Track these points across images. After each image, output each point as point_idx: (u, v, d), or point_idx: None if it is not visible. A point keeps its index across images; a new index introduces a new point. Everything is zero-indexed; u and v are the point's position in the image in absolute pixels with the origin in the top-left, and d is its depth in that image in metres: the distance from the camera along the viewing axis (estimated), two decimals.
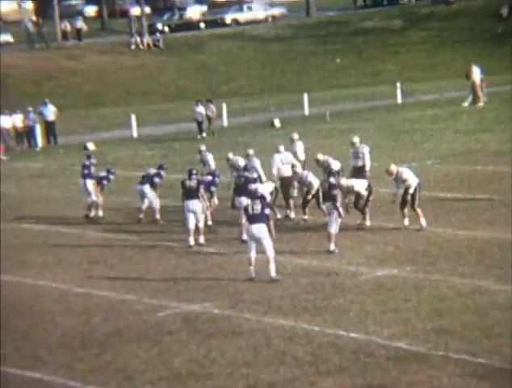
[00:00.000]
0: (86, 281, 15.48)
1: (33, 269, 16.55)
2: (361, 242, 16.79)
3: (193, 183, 17.52)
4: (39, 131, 34.77)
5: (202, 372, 11.05)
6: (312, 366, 10.98)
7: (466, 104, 37.19)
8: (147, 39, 55.19)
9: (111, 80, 50.54)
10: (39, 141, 34.80)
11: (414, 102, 40.69)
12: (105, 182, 20.76)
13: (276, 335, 12.15)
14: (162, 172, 20.07)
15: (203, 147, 21.72)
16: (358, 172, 19.94)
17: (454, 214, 18.83)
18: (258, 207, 14.78)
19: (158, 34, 56.35)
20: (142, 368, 11.34)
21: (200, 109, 34.33)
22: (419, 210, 17.52)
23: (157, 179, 19.77)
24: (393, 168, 17.75)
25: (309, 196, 18.64)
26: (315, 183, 18.51)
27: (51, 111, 35.00)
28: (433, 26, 56.64)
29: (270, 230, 14.77)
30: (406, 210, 17.57)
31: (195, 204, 17.35)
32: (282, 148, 20.25)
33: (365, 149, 20.52)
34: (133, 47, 54.76)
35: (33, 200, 23.54)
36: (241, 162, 19.86)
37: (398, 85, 41.81)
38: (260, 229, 14.64)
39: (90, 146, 32.94)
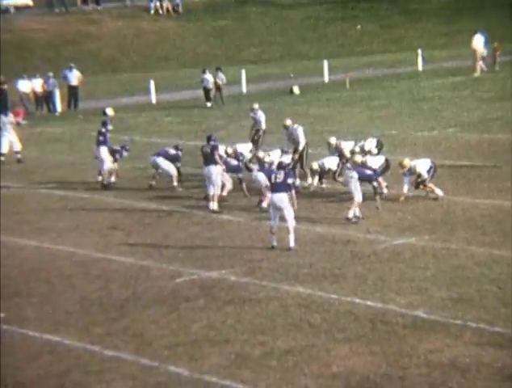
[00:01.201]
0: (105, 247, 15.56)
1: (52, 234, 16.66)
2: (379, 210, 16.73)
3: (208, 148, 17.56)
4: (58, 96, 34.80)
5: (219, 338, 11.11)
6: (328, 334, 11.01)
7: (477, 74, 36.81)
8: (166, 3, 54.89)
9: (130, 45, 50.39)
10: (59, 106, 34.85)
11: (435, 69, 40.31)
12: (118, 156, 20.72)
13: (293, 303, 12.18)
14: (179, 153, 19.92)
15: (256, 105, 22.01)
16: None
17: (473, 183, 18.71)
18: (280, 176, 14.80)
19: None
20: (159, 333, 11.42)
21: (208, 76, 33.99)
22: (431, 184, 17.39)
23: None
24: (407, 162, 17.42)
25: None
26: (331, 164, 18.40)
27: (75, 76, 34.98)
28: None
29: (291, 200, 14.74)
30: (422, 187, 17.42)
31: (209, 170, 17.38)
32: (289, 121, 19.96)
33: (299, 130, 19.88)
34: (152, 12, 54.50)
35: (52, 165, 23.63)
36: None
37: (419, 52, 41.39)
38: (281, 199, 14.64)
39: (109, 112, 32.95)
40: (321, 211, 17.16)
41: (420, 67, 41.18)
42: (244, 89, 37.58)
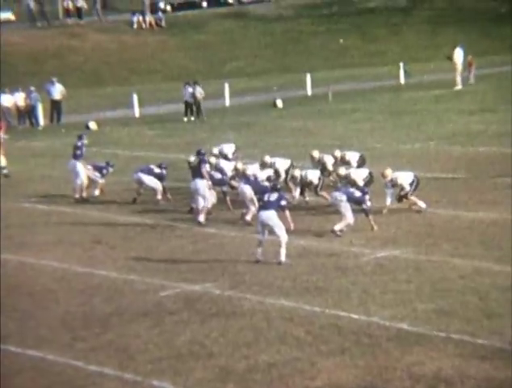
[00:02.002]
0: (88, 261, 15.50)
1: (35, 248, 16.57)
2: (362, 223, 16.78)
3: (196, 162, 17.74)
4: (40, 110, 34.71)
5: (203, 352, 11.08)
6: (312, 347, 11.01)
7: (458, 87, 37.11)
8: (149, 17, 54.97)
9: (113, 59, 50.38)
10: (41, 120, 34.74)
11: (417, 82, 40.57)
12: (105, 172, 20.69)
13: (277, 316, 12.17)
14: (164, 171, 19.88)
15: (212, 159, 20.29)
16: None
17: (456, 195, 18.81)
18: (274, 196, 14.95)
19: (160, 13, 56.11)
20: (143, 347, 11.38)
21: (190, 90, 34.01)
22: (414, 197, 17.47)
23: (104, 171, 20.50)
24: (388, 172, 17.51)
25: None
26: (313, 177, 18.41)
27: (58, 90, 34.89)
28: (436, 5, 56.38)
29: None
30: (405, 200, 17.49)
31: (196, 183, 17.46)
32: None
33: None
34: (135, 26, 54.54)
35: (35, 179, 23.54)
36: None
37: (401, 65, 41.66)
38: (269, 216, 14.69)
39: (92, 126, 32.89)
40: (305, 224, 17.19)
41: (402, 80, 41.44)
42: (227, 102, 37.64)
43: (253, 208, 17.04)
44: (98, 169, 20.68)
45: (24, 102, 34.38)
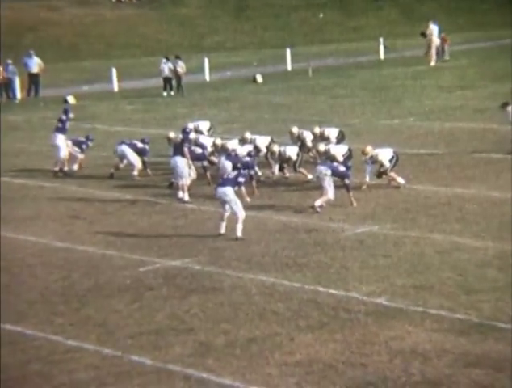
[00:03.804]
0: (66, 236, 15.44)
1: (13, 223, 16.47)
2: (342, 198, 16.83)
3: (179, 139, 17.70)
4: (18, 83, 34.35)
5: (182, 327, 11.10)
6: (291, 322, 11.06)
7: (433, 63, 37.16)
8: None
9: (92, 33, 49.91)
10: (18, 93, 34.40)
11: (397, 58, 40.57)
12: (84, 146, 20.57)
13: (257, 292, 12.21)
14: (147, 147, 19.79)
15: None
16: None
17: (434, 171, 18.90)
18: (232, 174, 15.14)
19: None
20: (122, 323, 11.37)
21: (169, 65, 33.78)
22: (393, 174, 17.53)
23: (83, 146, 20.32)
24: (369, 149, 17.54)
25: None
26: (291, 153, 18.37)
27: (35, 63, 34.53)
28: None
29: (241, 195, 14.95)
30: (384, 176, 17.55)
31: (175, 161, 17.41)
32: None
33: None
34: None
35: (12, 153, 23.33)
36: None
37: (381, 40, 41.61)
38: (225, 192, 14.78)
39: (71, 100, 32.63)
40: (284, 200, 17.21)
41: (382, 56, 41.40)
42: (207, 77, 37.45)
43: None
44: (78, 143, 20.54)
45: (1, 75, 34.01)
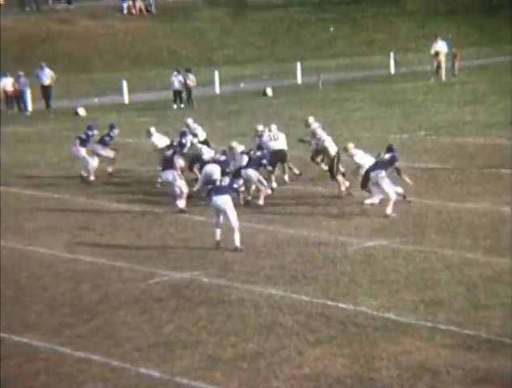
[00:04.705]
0: (76, 247, 15.46)
1: (22, 234, 16.51)
2: (352, 212, 16.81)
3: (170, 153, 18.02)
4: (29, 95, 34.53)
5: (190, 339, 11.08)
6: (300, 336, 11.03)
7: (443, 79, 37.16)
8: (139, 3, 54.70)
9: (103, 45, 50.13)
10: (30, 105, 34.57)
11: (407, 72, 40.58)
12: (112, 135, 21.24)
13: (265, 305, 12.18)
14: (112, 133, 20.65)
15: (189, 120, 21.16)
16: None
17: (444, 186, 18.85)
18: (226, 180, 15.12)
19: None
20: (131, 335, 11.37)
21: (180, 78, 33.93)
22: (340, 177, 17.60)
23: (107, 138, 20.84)
24: (350, 146, 17.57)
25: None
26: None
27: (47, 75, 34.72)
28: None
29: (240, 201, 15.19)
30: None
31: (166, 174, 17.73)
32: (274, 126, 19.96)
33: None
34: (125, 11, 54.27)
35: (23, 164, 23.43)
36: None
37: (391, 55, 41.65)
38: (225, 201, 14.77)
39: (81, 112, 32.75)
40: (293, 213, 17.19)
41: (392, 70, 41.44)
42: (217, 90, 37.55)
43: (263, 189, 17.24)
44: (102, 141, 20.80)
45: (13, 87, 34.20)
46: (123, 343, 11.10)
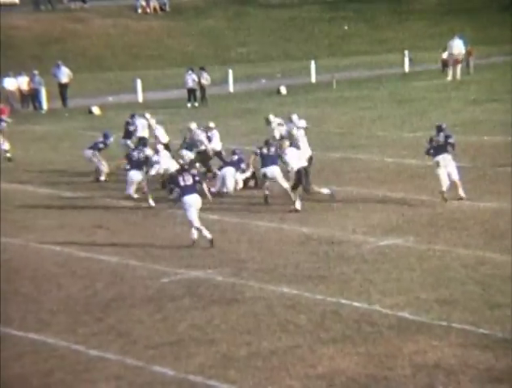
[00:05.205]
0: (90, 246, 15.50)
1: (37, 232, 16.57)
2: (365, 211, 16.76)
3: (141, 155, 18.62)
4: (44, 94, 34.66)
5: (204, 338, 11.08)
6: (314, 334, 11.01)
7: (449, 78, 36.97)
8: (153, 2, 54.78)
9: (117, 44, 50.24)
10: (44, 103, 34.70)
11: (421, 70, 40.44)
12: (101, 146, 20.95)
13: (279, 303, 12.17)
14: (108, 141, 20.75)
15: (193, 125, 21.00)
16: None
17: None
18: (189, 178, 15.14)
19: None
20: (145, 333, 11.38)
21: (194, 77, 33.96)
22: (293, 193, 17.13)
23: (100, 145, 20.87)
24: (286, 144, 17.40)
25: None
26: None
27: (64, 74, 34.86)
28: None
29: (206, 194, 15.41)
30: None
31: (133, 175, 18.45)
32: (295, 117, 20.11)
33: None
34: (139, 10, 54.37)
35: (38, 163, 23.52)
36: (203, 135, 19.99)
37: (406, 53, 41.51)
38: (195, 199, 14.99)
39: (95, 110, 32.84)
40: (307, 211, 17.16)
41: (407, 68, 41.29)
42: (231, 88, 37.54)
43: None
44: (96, 147, 20.93)
45: (28, 86, 34.33)
46: (137, 341, 11.12)
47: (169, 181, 16.59)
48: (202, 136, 20.38)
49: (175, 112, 32.00)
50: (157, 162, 18.80)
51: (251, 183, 19.24)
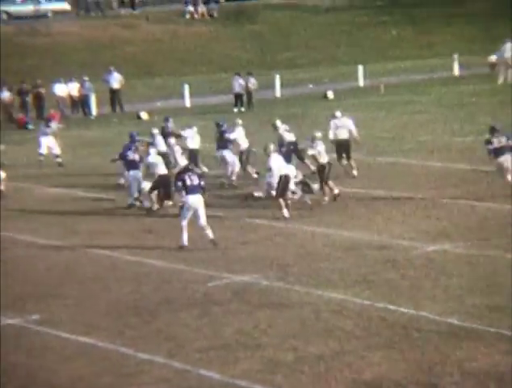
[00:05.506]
0: (138, 250, 15.63)
1: (86, 236, 16.77)
2: (413, 216, 16.60)
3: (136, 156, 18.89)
4: (94, 100, 35.09)
5: (251, 343, 11.09)
6: (361, 340, 10.94)
7: (501, 81, 36.41)
8: (202, 8, 55.12)
9: (165, 50, 50.63)
10: (94, 109, 35.13)
11: (471, 74, 39.95)
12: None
13: (325, 308, 12.12)
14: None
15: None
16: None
17: (510, 190, 18.45)
18: (195, 178, 15.31)
19: (213, 3, 56.20)
20: (192, 337, 11.43)
21: (241, 82, 34.08)
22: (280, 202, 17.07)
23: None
24: (271, 147, 17.30)
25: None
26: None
27: (116, 79, 35.26)
28: None
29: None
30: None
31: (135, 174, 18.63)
32: (338, 113, 20.25)
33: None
34: (188, 16, 54.74)
35: (87, 168, 23.81)
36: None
37: (455, 57, 41.07)
38: (199, 200, 15.14)
39: (143, 116, 33.13)
40: (355, 216, 17.07)
41: (456, 72, 40.84)
42: (278, 93, 37.56)
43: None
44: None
45: (78, 92, 34.80)
46: (185, 344, 11.17)
47: (176, 178, 16.64)
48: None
49: (222, 117, 32.12)
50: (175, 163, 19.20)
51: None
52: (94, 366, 10.71)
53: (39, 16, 51.15)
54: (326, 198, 17.63)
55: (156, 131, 21.34)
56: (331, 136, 20.28)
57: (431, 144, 23.98)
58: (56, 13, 52.55)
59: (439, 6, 55.36)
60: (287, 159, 17.90)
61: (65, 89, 34.78)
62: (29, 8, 51.45)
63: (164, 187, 18.32)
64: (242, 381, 10.02)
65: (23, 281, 14.11)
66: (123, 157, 19.20)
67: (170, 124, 22.50)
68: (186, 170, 15.71)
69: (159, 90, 41.18)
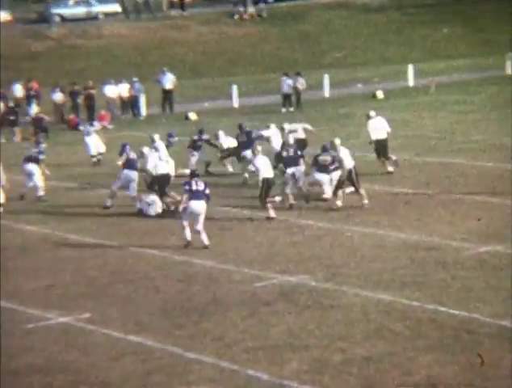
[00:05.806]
0: (186, 250, 15.70)
1: (134, 236, 16.91)
2: (464, 216, 16.38)
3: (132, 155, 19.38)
4: (143, 101, 35.38)
5: (298, 343, 11.05)
6: (410, 342, 10.82)
7: None
8: (251, 8, 55.20)
9: (214, 50, 50.84)
10: (144, 110, 35.43)
11: None
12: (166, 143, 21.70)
13: (374, 310, 12.02)
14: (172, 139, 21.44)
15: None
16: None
17: None
18: (201, 184, 15.53)
19: (262, 4, 56.25)
20: (239, 337, 11.44)
21: (289, 82, 34.03)
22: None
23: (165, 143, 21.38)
24: (336, 142, 17.59)
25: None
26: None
27: (169, 80, 35.52)
28: None
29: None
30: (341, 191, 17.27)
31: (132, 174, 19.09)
32: (373, 113, 20.19)
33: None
34: (236, 17, 54.89)
35: None
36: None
37: (509, 56, 40.42)
38: (203, 206, 15.39)
39: (192, 116, 33.30)
40: (403, 217, 16.91)
41: (509, 71, 40.20)
42: (326, 93, 37.42)
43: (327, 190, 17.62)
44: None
45: (128, 92, 35.13)
46: (232, 345, 11.18)
47: (184, 182, 16.73)
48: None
49: (270, 117, 32.11)
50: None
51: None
52: (143, 365, 10.79)
53: (91, 18, 51.82)
54: (338, 202, 17.39)
55: (146, 150, 20.52)
56: (372, 136, 20.24)
57: (482, 144, 23.64)
58: (107, 15, 53.18)
59: (491, 4, 54.56)
60: (295, 162, 18.08)
61: (115, 90, 35.13)
62: (81, 10, 52.17)
63: (160, 186, 18.47)
64: (290, 382, 10.00)
65: (74, 280, 14.29)
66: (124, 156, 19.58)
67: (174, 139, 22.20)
68: (193, 175, 15.95)
69: (207, 90, 41.35)
